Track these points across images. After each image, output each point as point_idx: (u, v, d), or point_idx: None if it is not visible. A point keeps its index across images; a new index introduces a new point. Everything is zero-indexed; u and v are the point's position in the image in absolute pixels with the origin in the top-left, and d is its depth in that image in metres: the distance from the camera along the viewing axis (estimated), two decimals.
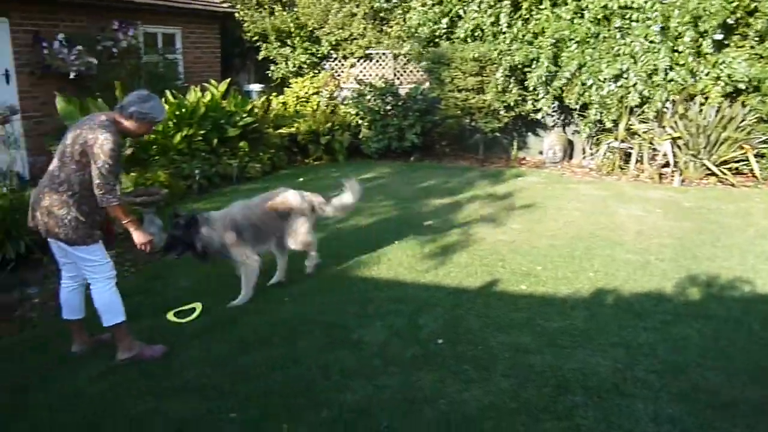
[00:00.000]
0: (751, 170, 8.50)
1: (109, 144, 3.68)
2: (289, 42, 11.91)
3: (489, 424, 3.22)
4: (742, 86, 8.38)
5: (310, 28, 11.75)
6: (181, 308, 4.68)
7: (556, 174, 9.46)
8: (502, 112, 9.93)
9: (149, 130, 4.12)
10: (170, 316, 4.60)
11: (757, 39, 8.36)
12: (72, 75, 8.75)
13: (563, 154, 9.99)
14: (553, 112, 10.01)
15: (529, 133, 10.60)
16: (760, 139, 8.45)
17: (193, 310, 4.67)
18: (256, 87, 12.09)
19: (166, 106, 8.82)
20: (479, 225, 6.70)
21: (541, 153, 10.28)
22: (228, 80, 10.30)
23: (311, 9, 11.72)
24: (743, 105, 8.50)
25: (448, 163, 10.44)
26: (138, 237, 3.97)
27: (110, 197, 3.74)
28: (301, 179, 9.27)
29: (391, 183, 8.94)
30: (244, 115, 9.70)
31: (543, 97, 9.57)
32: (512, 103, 9.79)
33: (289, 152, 10.55)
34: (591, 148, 9.87)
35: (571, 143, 10.21)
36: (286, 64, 12.01)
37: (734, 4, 8.08)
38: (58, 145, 3.88)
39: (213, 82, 10.15)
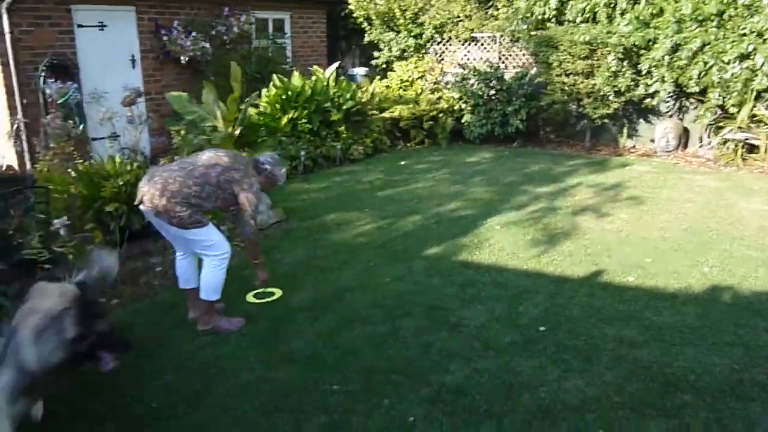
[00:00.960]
0: None
1: (256, 193, 4.14)
2: (393, 25, 11.97)
3: (591, 416, 3.16)
4: None
5: (415, 11, 11.74)
6: (260, 290, 4.75)
7: (669, 163, 8.98)
8: (611, 98, 9.52)
9: (270, 188, 4.58)
10: (249, 297, 4.70)
11: None
12: (183, 60, 9.26)
13: (677, 142, 9.45)
14: (668, 97, 9.47)
15: (641, 120, 10.10)
16: None
17: (272, 294, 4.75)
18: (360, 71, 12.26)
19: (274, 90, 9.15)
20: (584, 214, 6.50)
21: (652, 141, 9.78)
22: (336, 65, 10.50)
23: None
24: None
25: (553, 150, 10.17)
26: (262, 274, 4.45)
27: (255, 232, 4.25)
28: (403, 162, 9.36)
29: (494, 168, 8.83)
30: (348, 99, 9.87)
31: (658, 80, 9.08)
32: (623, 88, 9.35)
33: (392, 136, 10.65)
34: (709, 137, 9.27)
35: (686, 131, 9.64)
36: (390, 48, 12.08)
37: None
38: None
39: (316, 67, 10.38)
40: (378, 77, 11.74)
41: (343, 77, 10.65)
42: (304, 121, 9.12)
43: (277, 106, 9.04)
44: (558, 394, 3.35)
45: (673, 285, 4.68)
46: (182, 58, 9.28)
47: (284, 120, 8.89)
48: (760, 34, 8.21)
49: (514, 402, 3.30)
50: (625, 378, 3.47)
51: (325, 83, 9.77)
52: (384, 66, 12.20)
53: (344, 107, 9.71)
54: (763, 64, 8.18)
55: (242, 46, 10.24)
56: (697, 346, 3.79)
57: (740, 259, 5.15)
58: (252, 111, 8.62)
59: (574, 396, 3.33)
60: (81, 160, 6.26)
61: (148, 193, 3.97)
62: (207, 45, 9.50)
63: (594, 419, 3.13)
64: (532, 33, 10.34)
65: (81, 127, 7.41)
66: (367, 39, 12.31)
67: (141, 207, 4.05)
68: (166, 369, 3.83)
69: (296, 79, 9.55)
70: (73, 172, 6.00)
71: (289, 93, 9.19)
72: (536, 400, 3.30)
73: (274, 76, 9.41)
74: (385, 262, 5.39)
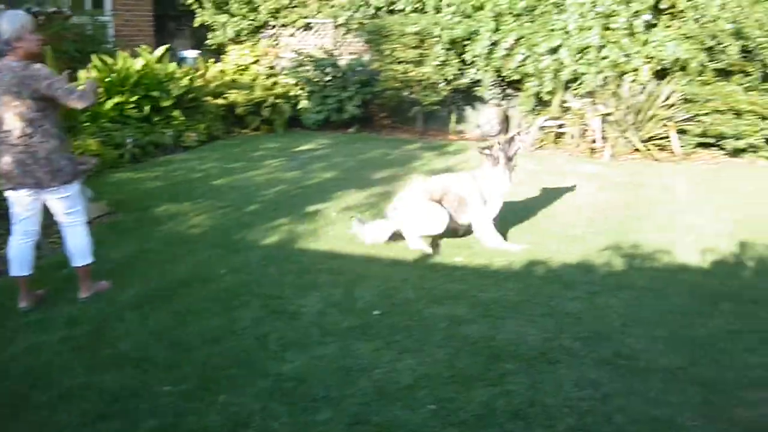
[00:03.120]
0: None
1: (44, 69, 3.98)
2: (225, 8, 11.55)
3: (423, 392, 3.32)
4: (669, 66, 8.74)
5: None
6: None
7: None
8: (441, 85, 10.00)
9: (38, 40, 4.06)
10: None
11: (684, 19, 8.71)
12: None
13: (500, 127, 10.16)
14: (492, 85, 10.13)
15: (468, 107, 10.71)
16: (683, 117, 8.82)
17: None
18: (191, 54, 11.72)
19: (95, 72, 8.47)
20: None
21: (478, 127, 10.43)
22: (165, 46, 9.93)
23: None
24: (669, 83, 8.85)
25: (388, 135, 10.48)
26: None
27: (85, 96, 4.07)
28: (239, 149, 9.13)
29: (331, 154, 8.91)
30: (180, 83, 9.41)
31: (482, 70, 9.68)
32: (451, 77, 9.86)
33: (227, 122, 10.33)
34: (526, 122, 10.08)
35: (507, 118, 10.40)
36: (224, 31, 11.67)
37: None
38: None
39: (144, 47, 9.75)
40: (212, 61, 11.30)
41: (174, 60, 10.12)
42: (131, 106, 8.55)
43: (100, 89, 8.36)
44: (392, 375, 3.48)
45: (497, 262, 5.04)
46: None
47: (109, 105, 8.29)
48: (566, 31, 9.05)
49: (351, 386, 3.38)
50: (455, 354, 3.69)
51: (154, 66, 9.22)
52: (217, 49, 11.76)
53: (176, 92, 9.24)
54: (567, 58, 9.04)
55: (57, 23, 9.32)
56: (516, 318, 4.12)
57: (553, 236, 5.66)
58: None
59: (407, 375, 3.47)
60: None
61: (12, 173, 4.00)
62: None
63: (425, 395, 3.29)
64: (365, 22, 10.52)
65: None
66: (198, 21, 11.78)
67: (11, 192, 4.07)
68: None
69: (122, 61, 8.91)
70: None
71: (114, 76, 8.56)
72: (373, 383, 3.40)
73: (94, 57, 8.69)
74: (220, 253, 5.24)
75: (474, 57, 9.59)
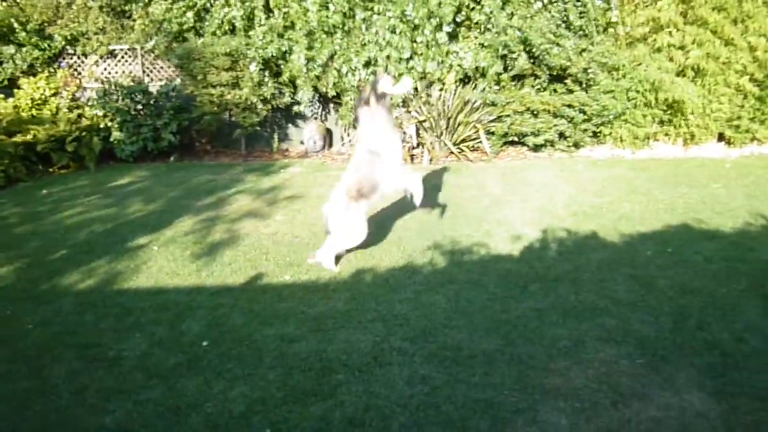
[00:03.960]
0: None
1: None
2: (11, 37, 10.54)
3: (257, 417, 3.26)
4: (470, 73, 9.44)
5: (38, 22, 10.55)
6: None
7: (318, 163, 9.75)
8: (260, 106, 9.91)
9: None
10: None
11: (479, 31, 9.46)
12: None
13: (323, 142, 10.32)
14: (311, 102, 10.25)
15: (290, 125, 10.74)
16: (490, 119, 9.56)
17: None
18: None
19: None
20: (243, 220, 6.66)
21: (302, 143, 10.50)
22: None
23: (35, 0, 10.54)
24: (473, 89, 9.55)
25: (211, 161, 10.19)
26: None
27: None
28: (45, 191, 8.36)
29: (150, 186, 8.47)
30: None
31: (301, 88, 9.75)
32: (269, 96, 9.83)
33: (28, 162, 9.40)
34: (348, 136, 10.33)
35: (330, 132, 10.59)
36: (14, 62, 10.64)
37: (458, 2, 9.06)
38: None
39: None
40: (2, 96, 10.25)
41: None
42: None
43: None
44: (225, 405, 3.38)
45: (325, 276, 5.09)
46: None
47: None
48: (377, 44, 9.43)
49: (181, 426, 3.23)
50: (287, 373, 3.67)
51: None
52: (7, 83, 10.69)
53: None
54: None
55: None
56: (346, 328, 4.19)
57: (378, 242, 5.83)
58: None
59: (240, 403, 3.40)
60: None
61: None
62: None
63: (260, 420, 3.24)
64: (174, 45, 10.17)
65: None
66: None
67: None
68: None
69: None
70: None
71: None
72: (203, 418, 3.28)
73: None
74: (25, 307, 4.76)
75: (291, 76, 9.64)
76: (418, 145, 9.65)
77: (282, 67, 9.75)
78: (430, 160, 9.46)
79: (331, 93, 9.79)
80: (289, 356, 3.84)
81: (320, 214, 5.51)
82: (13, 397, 3.57)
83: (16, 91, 10.35)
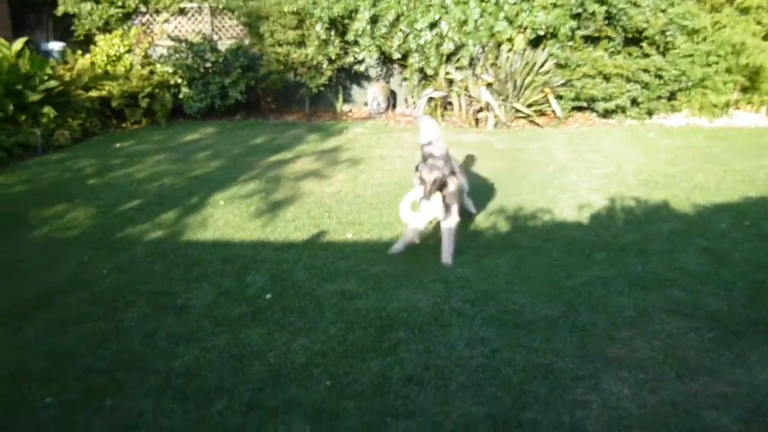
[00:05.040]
0: (553, 111, 9.34)
1: None
2: None
3: (317, 369, 3.33)
4: (541, 33, 9.12)
5: None
6: None
7: (381, 124, 9.72)
8: (325, 66, 9.92)
9: None
10: None
11: None
12: None
13: (387, 104, 10.26)
14: (376, 63, 10.18)
15: (354, 86, 10.72)
16: (559, 83, 9.27)
17: None
18: (56, 46, 10.96)
19: None
20: (306, 179, 6.74)
21: (365, 105, 10.48)
22: (24, 39, 9.21)
23: None
24: (543, 51, 9.25)
25: (275, 120, 10.30)
26: None
27: None
28: (118, 144, 8.67)
29: (217, 143, 8.65)
30: (46, 78, 8.77)
31: (365, 49, 9.69)
32: (334, 56, 9.80)
33: (103, 117, 9.76)
34: (413, 97, 10.23)
35: (394, 93, 10.50)
36: (91, 19, 10.96)
37: None
38: None
39: (2, 40, 9.02)
40: (80, 52, 10.61)
41: (37, 54, 9.42)
42: None
43: None
44: (287, 356, 3.47)
45: (387, 236, 5.11)
46: None
47: None
48: (443, 6, 9.23)
49: (245, 372, 3.34)
50: (347, 328, 3.72)
51: (14, 61, 8.54)
52: (84, 39, 11.04)
53: (42, 87, 8.62)
54: (448, 31, 9.24)
55: None
56: (407, 287, 4.21)
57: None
58: None
59: (302, 354, 3.47)
60: None
61: None
62: None
63: (320, 372, 3.30)
64: (241, 4, 10.23)
65: None
66: (61, 10, 10.99)
67: None
68: None
69: None
70: None
71: None
72: (266, 366, 3.38)
73: None
74: (102, 254, 4.98)
75: (356, 36, 9.58)
76: (481, 109, 9.46)
77: (348, 26, 9.68)
78: (495, 123, 9.28)
79: (396, 54, 9.68)
80: (350, 312, 3.89)
81: (383, 174, 5.51)
82: (91, 336, 3.76)
83: (92, 47, 10.67)
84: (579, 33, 9.15)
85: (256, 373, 3.32)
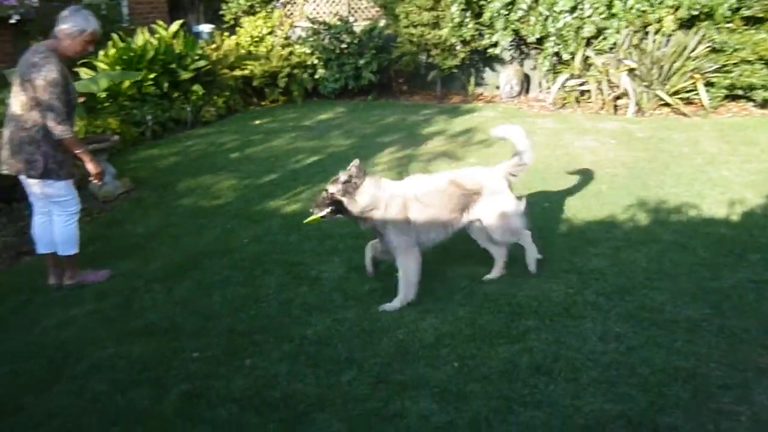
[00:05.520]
0: (701, 99, 8.66)
1: (51, 74, 3.81)
2: None
3: (446, 350, 3.35)
4: (695, 12, 8.44)
5: None
6: None
7: (513, 108, 9.49)
8: (458, 48, 9.82)
9: (87, 46, 4.08)
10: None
11: None
12: (13, 20, 8.40)
13: (520, 88, 10.00)
14: (510, 46, 9.94)
15: (486, 68, 10.53)
16: (711, 69, 8.57)
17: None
18: (206, 27, 11.70)
19: (113, 50, 8.50)
20: (437, 160, 6.74)
21: (497, 88, 10.27)
22: (180, 22, 9.91)
23: None
24: (695, 33, 8.58)
25: (405, 101, 10.38)
26: (92, 167, 4.12)
27: (63, 128, 3.88)
28: (258, 121, 9.14)
29: (350, 122, 8.87)
30: (196, 58, 9.40)
31: (500, 31, 9.49)
32: (469, 38, 9.68)
33: (245, 95, 10.33)
34: (547, 82, 9.89)
35: (527, 77, 10.21)
36: (237, 2, 11.58)
37: None
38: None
39: (160, 22, 9.76)
40: (226, 34, 11.25)
41: (189, 35, 10.11)
42: (149, 83, 8.58)
43: (118, 67, 8.40)
44: (415, 334, 3.51)
45: None
46: (11, 18, 8.37)
47: (127, 83, 8.31)
48: None
49: (374, 346, 3.42)
50: (476, 312, 3.70)
51: (170, 41, 9.22)
52: (232, 22, 11.70)
53: (193, 66, 9.25)
54: (591, 15, 8.82)
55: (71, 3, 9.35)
56: (538, 276, 4.10)
57: (575, 193, 5.59)
58: (88, 74, 7.96)
59: (430, 334, 3.50)
60: None
61: (4, 154, 4.03)
62: (32, 2, 8.63)
63: (448, 353, 3.31)
64: None
65: None
66: None
67: (5, 172, 4.08)
68: (4, 360, 3.55)
69: (139, 38, 8.93)
70: None
71: (132, 53, 8.58)
72: (395, 343, 3.44)
73: (114, 36, 8.72)
74: (242, 223, 5.29)
75: (491, 17, 9.39)
76: (621, 95, 8.95)
77: (484, 8, 9.51)
78: (637, 111, 8.76)
79: (532, 38, 9.39)
80: (479, 296, 3.86)
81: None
82: (231, 301, 4.02)
83: (237, 29, 11.28)
84: (740, 13, 8.38)
85: (385, 348, 3.39)
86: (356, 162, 3.84)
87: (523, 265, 4.20)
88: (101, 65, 8.37)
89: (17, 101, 3.94)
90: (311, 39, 10.46)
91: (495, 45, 9.71)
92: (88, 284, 4.33)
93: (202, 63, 9.41)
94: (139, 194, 6.20)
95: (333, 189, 3.76)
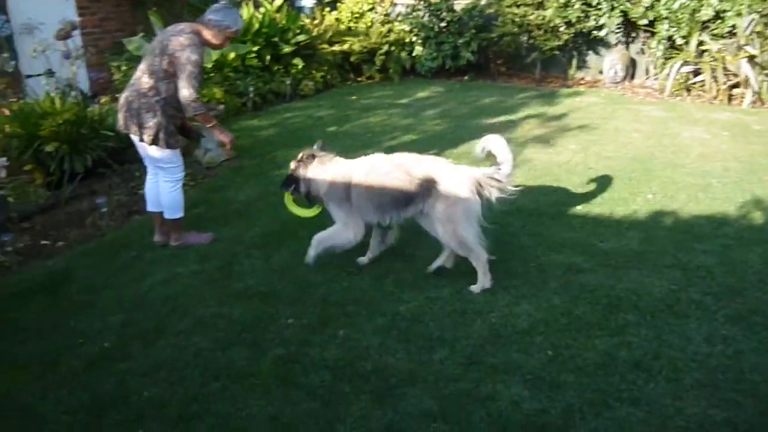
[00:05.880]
0: None
1: (195, 55, 4.06)
2: None
3: (539, 338, 3.29)
4: None
5: None
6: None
7: (616, 94, 9.09)
8: (562, 29, 9.49)
9: (226, 41, 4.37)
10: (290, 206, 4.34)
11: None
12: None
13: (625, 73, 9.56)
14: (617, 29, 9.50)
15: (590, 52, 10.12)
16: None
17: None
18: (308, 2, 11.86)
19: None
20: (534, 145, 6.58)
21: (601, 72, 9.86)
22: None
23: None
24: None
25: (503, 83, 10.15)
26: (224, 138, 4.49)
27: (198, 105, 4.15)
28: (354, 97, 9.22)
29: (445, 102, 8.79)
30: (298, 32, 9.58)
31: (607, 12, 9.09)
32: (574, 19, 9.33)
33: (342, 70, 10.44)
34: (656, 68, 9.40)
35: (633, 62, 9.74)
36: None
37: None
38: (143, 57, 4.32)
39: None
40: (328, 9, 11.38)
41: (292, 9, 10.30)
42: (252, 55, 8.83)
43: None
44: (509, 319, 3.47)
45: (618, 212, 4.82)
46: None
47: (232, 54, 8.58)
48: None
49: (466, 328, 3.41)
50: (572, 301, 3.61)
51: (273, 15, 9.43)
52: None
53: (294, 41, 9.43)
54: None
55: None
56: (639, 269, 3.95)
57: (681, 186, 5.32)
58: None
59: (523, 320, 3.45)
60: (15, 98, 5.96)
61: (120, 116, 4.26)
62: None
63: (542, 341, 3.26)
64: None
65: (13, 63, 6.98)
66: None
67: (121, 130, 4.34)
68: (116, 309, 3.80)
69: (244, 12, 9.19)
70: (7, 111, 5.71)
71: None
72: (488, 326, 3.41)
73: None
74: None
75: None
76: (737, 84, 8.38)
77: None
78: (754, 101, 8.19)
79: (642, 20, 8.92)
80: (575, 286, 3.76)
81: (617, 146, 5.16)
82: (327, 271, 4.09)
83: (338, 4, 11.38)
84: None
85: (477, 330, 3.37)
86: (319, 142, 4.24)
87: (622, 256, 4.06)
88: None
89: (148, 70, 4.15)
90: (411, 16, 10.41)
91: (600, 27, 9.32)
92: (191, 245, 4.54)
93: (302, 37, 9.57)
94: (240, 162, 6.42)
95: (292, 166, 4.15)
